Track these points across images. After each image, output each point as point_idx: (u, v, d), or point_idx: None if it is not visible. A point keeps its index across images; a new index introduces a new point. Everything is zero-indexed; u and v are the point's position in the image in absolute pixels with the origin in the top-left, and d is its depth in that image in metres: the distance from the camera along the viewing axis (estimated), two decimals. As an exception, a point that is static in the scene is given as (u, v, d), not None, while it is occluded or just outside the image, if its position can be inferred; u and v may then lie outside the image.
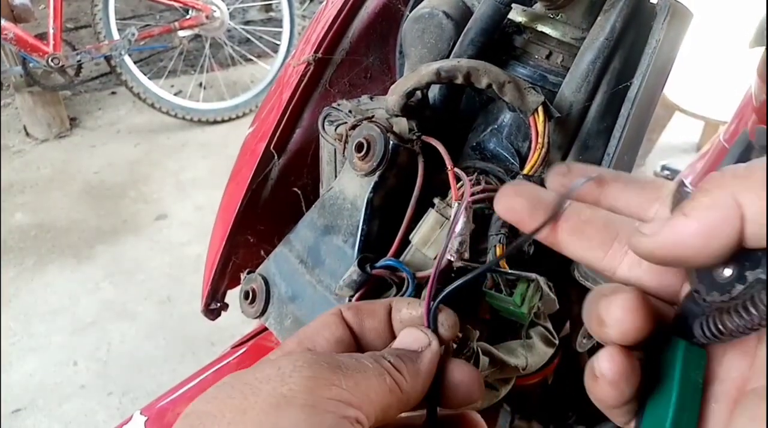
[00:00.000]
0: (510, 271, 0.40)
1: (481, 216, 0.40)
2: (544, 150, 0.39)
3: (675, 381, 0.28)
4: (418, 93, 0.43)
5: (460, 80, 0.40)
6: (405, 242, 0.41)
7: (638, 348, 0.28)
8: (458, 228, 0.37)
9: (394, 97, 0.42)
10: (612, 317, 0.27)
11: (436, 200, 0.40)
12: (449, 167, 0.38)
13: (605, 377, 0.27)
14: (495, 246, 0.38)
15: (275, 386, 0.28)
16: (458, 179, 0.40)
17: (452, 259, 0.37)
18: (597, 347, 0.45)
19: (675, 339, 0.29)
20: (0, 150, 2.82)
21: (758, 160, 0.26)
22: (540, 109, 0.40)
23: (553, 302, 0.42)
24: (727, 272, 0.28)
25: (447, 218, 0.39)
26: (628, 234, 0.28)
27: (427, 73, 0.41)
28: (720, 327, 0.28)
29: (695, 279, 0.29)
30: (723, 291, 0.29)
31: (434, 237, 0.39)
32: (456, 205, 0.37)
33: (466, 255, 0.37)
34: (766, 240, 0.25)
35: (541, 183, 0.40)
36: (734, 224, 0.25)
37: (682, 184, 0.30)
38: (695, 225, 0.25)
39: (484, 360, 0.40)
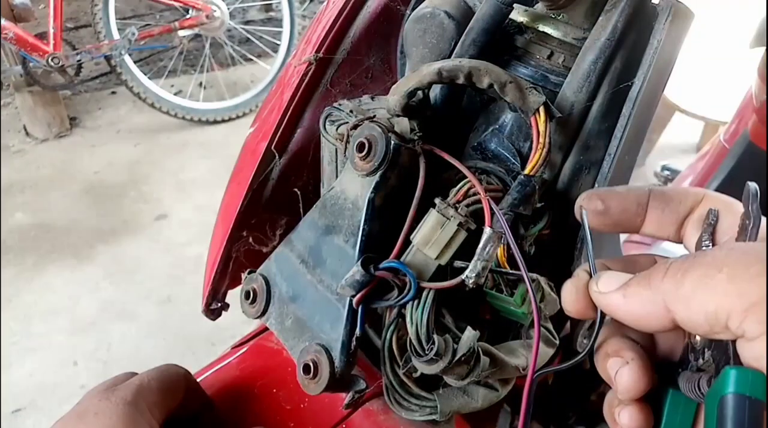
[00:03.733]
0: (511, 271, 0.40)
1: (483, 216, 0.40)
2: (545, 150, 0.39)
3: (661, 425, 0.32)
4: (420, 93, 0.43)
5: (461, 80, 0.40)
6: (408, 243, 0.41)
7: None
8: (486, 254, 0.37)
9: (395, 96, 0.42)
10: (622, 386, 0.32)
11: (437, 200, 0.40)
12: (482, 195, 0.38)
13: None
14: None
15: None
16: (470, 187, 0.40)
17: (470, 281, 0.37)
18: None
19: (665, 387, 0.33)
20: (0, 150, 2.82)
21: (698, 256, 0.29)
22: (541, 109, 0.40)
23: (554, 302, 0.42)
24: (698, 337, 0.31)
25: (448, 218, 0.39)
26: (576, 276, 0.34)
27: (428, 73, 0.41)
28: (696, 389, 0.31)
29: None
30: (696, 356, 0.31)
31: (435, 238, 0.39)
32: (488, 230, 0.37)
33: (482, 281, 0.37)
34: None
35: (542, 184, 0.40)
36: (663, 321, 0.29)
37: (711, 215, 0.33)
38: (629, 309, 0.31)
39: (484, 360, 0.40)
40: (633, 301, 0.30)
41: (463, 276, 0.37)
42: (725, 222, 0.33)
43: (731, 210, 0.33)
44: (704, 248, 0.33)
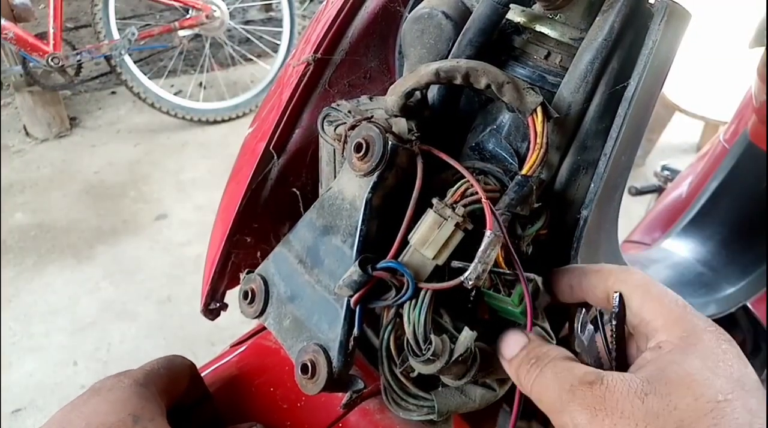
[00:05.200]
0: (509, 272, 0.40)
1: (481, 216, 0.40)
2: (542, 150, 0.40)
3: None
4: (417, 93, 0.43)
5: (459, 81, 0.40)
6: (405, 243, 0.41)
7: None
8: (487, 258, 0.37)
9: (393, 97, 0.42)
10: None
11: (434, 200, 0.40)
12: (483, 199, 0.39)
13: None
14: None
15: None
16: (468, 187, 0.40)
17: (469, 283, 0.37)
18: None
19: None
20: (0, 150, 2.82)
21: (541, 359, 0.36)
22: (539, 110, 0.40)
23: (545, 301, 0.42)
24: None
25: (445, 218, 0.39)
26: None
27: (426, 74, 0.41)
28: None
29: None
30: None
31: (432, 238, 0.39)
32: (490, 234, 0.37)
33: (481, 283, 0.38)
34: None
35: (539, 184, 0.40)
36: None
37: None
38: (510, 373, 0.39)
39: (482, 360, 0.41)
40: (510, 372, 0.38)
41: (462, 278, 0.37)
42: (634, 302, 0.37)
43: (639, 290, 0.37)
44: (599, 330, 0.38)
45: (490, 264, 0.37)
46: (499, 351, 0.39)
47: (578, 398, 0.32)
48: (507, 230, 0.38)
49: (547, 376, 0.35)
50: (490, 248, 0.37)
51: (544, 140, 0.40)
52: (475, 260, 0.37)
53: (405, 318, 0.40)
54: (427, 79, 0.41)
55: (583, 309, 0.41)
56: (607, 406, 0.31)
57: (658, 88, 0.44)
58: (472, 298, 0.42)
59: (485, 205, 0.38)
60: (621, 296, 0.37)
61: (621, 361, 0.38)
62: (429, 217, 0.40)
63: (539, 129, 0.40)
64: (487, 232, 0.37)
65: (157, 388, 0.44)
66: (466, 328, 0.39)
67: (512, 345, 0.38)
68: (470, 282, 0.37)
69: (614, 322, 0.37)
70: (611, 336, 0.37)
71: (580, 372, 0.34)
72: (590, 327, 0.39)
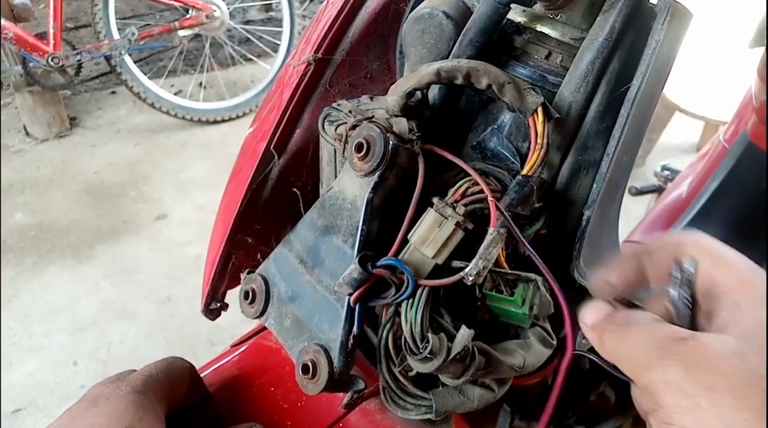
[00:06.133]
0: (510, 272, 0.40)
1: (481, 216, 0.40)
2: (543, 150, 0.40)
3: None
4: (418, 93, 0.43)
5: (460, 81, 0.40)
6: (405, 242, 0.41)
7: None
8: (489, 255, 0.37)
9: (394, 97, 0.42)
10: None
11: (435, 199, 0.40)
12: (489, 197, 0.39)
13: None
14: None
15: None
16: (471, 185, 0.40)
17: (470, 279, 0.37)
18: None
19: None
20: (0, 150, 2.82)
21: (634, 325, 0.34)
22: (539, 110, 0.40)
23: (549, 304, 0.42)
24: None
25: (446, 217, 0.39)
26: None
27: (427, 74, 0.41)
28: None
29: None
30: None
31: (432, 236, 0.39)
32: (493, 231, 0.37)
33: (481, 279, 0.38)
34: None
35: (540, 184, 0.40)
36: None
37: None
38: (594, 343, 0.36)
39: (480, 359, 0.41)
40: (595, 342, 0.36)
41: (462, 274, 0.37)
42: (704, 266, 0.35)
43: (708, 253, 0.36)
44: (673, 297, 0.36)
45: (492, 261, 0.37)
46: (580, 319, 0.37)
47: (672, 353, 0.31)
48: (506, 231, 0.38)
49: (636, 335, 0.33)
50: (492, 245, 0.37)
51: (545, 140, 0.40)
52: (477, 256, 0.37)
53: (403, 317, 0.40)
54: (429, 79, 0.41)
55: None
56: (703, 363, 0.30)
57: (660, 87, 0.44)
58: (479, 297, 0.42)
59: (491, 202, 0.38)
60: (695, 262, 0.35)
61: (693, 327, 0.35)
62: (429, 216, 0.40)
63: (540, 129, 0.40)
64: (490, 229, 0.37)
65: (156, 395, 0.43)
66: (463, 327, 0.39)
67: (596, 311, 0.37)
68: (470, 278, 0.37)
69: (681, 291, 0.35)
70: (681, 306, 0.35)
71: (672, 329, 0.32)
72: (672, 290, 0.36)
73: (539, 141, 0.40)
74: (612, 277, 0.38)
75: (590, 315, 0.37)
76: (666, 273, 0.37)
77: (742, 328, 0.31)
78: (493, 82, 0.40)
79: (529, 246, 0.38)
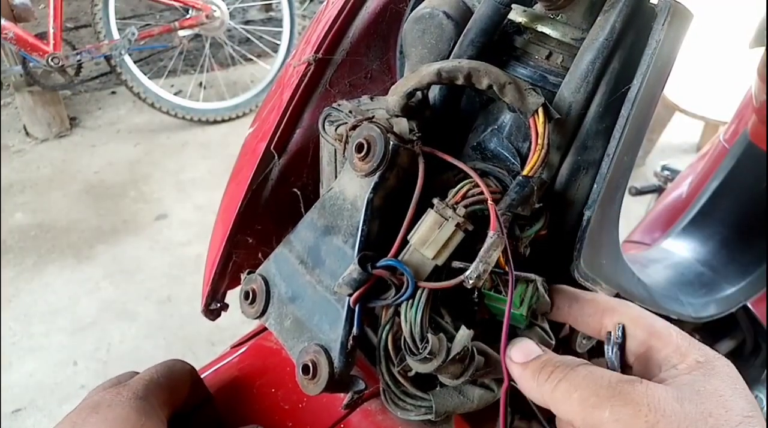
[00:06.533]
0: (507, 271, 0.40)
1: (482, 217, 0.40)
2: (543, 151, 0.40)
3: None
4: (419, 93, 0.43)
5: (461, 81, 0.40)
6: (405, 243, 0.41)
7: None
8: (489, 259, 0.37)
9: (394, 97, 0.42)
10: None
11: (435, 200, 0.40)
12: (489, 200, 0.39)
13: None
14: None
15: None
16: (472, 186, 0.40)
17: (470, 282, 0.37)
18: (596, 347, 0.45)
19: None
20: (0, 150, 2.82)
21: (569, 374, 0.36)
22: (540, 111, 0.40)
23: (547, 304, 0.42)
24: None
25: (446, 218, 0.39)
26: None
27: (427, 74, 0.41)
28: None
29: None
30: None
31: (432, 238, 0.39)
32: (493, 235, 0.37)
33: (482, 283, 0.38)
34: None
35: (540, 185, 0.40)
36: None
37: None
38: (522, 386, 0.39)
39: (479, 359, 0.41)
40: (525, 383, 0.38)
41: (463, 277, 0.37)
42: (635, 340, 0.39)
43: (642, 327, 0.39)
44: (607, 354, 0.39)
45: (492, 264, 0.37)
46: (508, 358, 0.39)
47: (621, 394, 0.33)
48: (507, 231, 0.38)
49: (580, 375, 0.35)
50: (492, 249, 0.37)
51: (546, 141, 0.40)
52: (477, 260, 0.37)
53: (402, 317, 0.40)
54: (429, 79, 0.41)
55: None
56: (651, 404, 0.32)
57: (660, 87, 0.44)
58: (476, 299, 0.42)
59: (490, 206, 0.38)
60: (624, 327, 0.39)
61: None
62: (429, 217, 0.40)
63: (540, 130, 0.40)
64: (491, 233, 0.37)
65: (158, 400, 0.43)
66: (463, 327, 0.39)
67: (525, 351, 0.39)
68: (471, 282, 0.37)
69: (616, 350, 0.39)
70: (616, 362, 0.39)
71: (617, 374, 0.35)
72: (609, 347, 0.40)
73: (540, 141, 0.39)
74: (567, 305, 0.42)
75: (519, 355, 0.39)
76: (593, 329, 0.41)
77: (679, 382, 0.34)
78: (494, 83, 0.40)
79: (509, 250, 0.39)
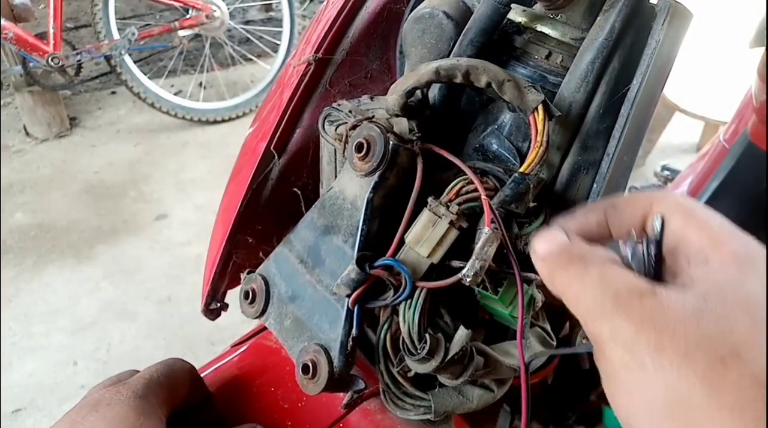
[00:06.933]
0: (506, 271, 0.40)
1: (479, 215, 0.40)
2: (542, 148, 0.39)
3: None
4: (418, 93, 0.43)
5: (459, 79, 0.40)
6: (403, 242, 0.41)
7: None
8: (484, 254, 0.37)
9: (393, 96, 0.42)
10: None
11: (429, 199, 0.40)
12: (482, 193, 0.38)
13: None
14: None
15: None
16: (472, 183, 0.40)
17: (468, 279, 0.37)
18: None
19: None
20: (0, 150, 2.82)
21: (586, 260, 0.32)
22: (540, 108, 0.39)
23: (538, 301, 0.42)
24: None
25: (439, 216, 0.39)
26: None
27: (426, 72, 0.41)
28: None
29: None
30: None
31: (426, 236, 0.39)
32: (487, 230, 0.37)
33: (479, 279, 0.37)
34: None
35: (537, 183, 0.40)
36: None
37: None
38: (541, 273, 0.34)
39: (478, 360, 0.41)
40: (544, 275, 0.34)
41: (460, 275, 0.37)
42: (674, 223, 0.33)
43: (680, 210, 0.33)
44: (641, 252, 0.34)
45: (489, 260, 0.37)
46: (531, 248, 0.35)
47: (625, 308, 0.29)
48: (504, 227, 0.38)
49: (591, 278, 0.31)
50: (487, 244, 0.37)
51: (545, 139, 0.39)
52: (473, 256, 0.37)
53: (401, 317, 0.40)
54: (428, 78, 0.41)
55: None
56: (657, 322, 0.28)
57: (660, 87, 0.44)
58: (470, 290, 0.42)
59: (484, 201, 0.38)
60: (662, 219, 0.33)
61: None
62: (424, 216, 0.40)
63: (540, 127, 0.39)
64: (485, 229, 0.37)
65: (157, 399, 0.43)
66: (461, 327, 0.39)
67: (549, 241, 0.34)
68: (468, 280, 0.37)
69: (653, 247, 0.33)
70: (650, 257, 0.33)
71: (631, 280, 0.30)
72: (633, 244, 0.34)
73: (539, 139, 0.39)
74: (570, 224, 0.35)
75: (542, 245, 0.34)
76: (630, 229, 0.35)
77: (705, 286, 0.29)
78: (492, 80, 0.39)
79: (509, 245, 0.38)
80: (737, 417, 0.25)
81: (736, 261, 0.30)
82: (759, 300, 0.28)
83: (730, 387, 0.26)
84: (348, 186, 0.43)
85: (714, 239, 0.31)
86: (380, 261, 0.40)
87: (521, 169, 0.39)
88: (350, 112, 0.45)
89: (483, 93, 0.45)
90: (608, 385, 0.30)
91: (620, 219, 0.35)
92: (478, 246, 0.37)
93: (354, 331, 0.41)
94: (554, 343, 0.43)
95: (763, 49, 0.92)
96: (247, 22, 3.74)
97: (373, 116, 0.42)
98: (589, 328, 0.30)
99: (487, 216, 0.38)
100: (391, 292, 0.40)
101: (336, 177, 0.47)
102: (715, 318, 0.27)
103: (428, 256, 0.39)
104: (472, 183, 0.40)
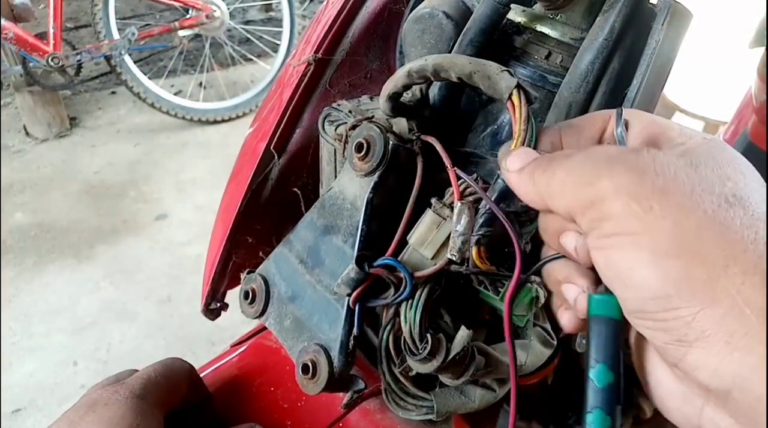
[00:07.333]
0: (506, 273, 0.40)
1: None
2: (527, 135, 0.35)
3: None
4: (418, 93, 0.43)
5: (432, 78, 0.38)
6: (403, 242, 0.41)
7: None
8: (460, 227, 0.37)
9: (381, 100, 0.42)
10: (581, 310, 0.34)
11: (433, 200, 0.40)
12: (449, 166, 0.38)
13: None
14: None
15: None
16: (458, 178, 0.40)
17: (454, 258, 0.37)
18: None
19: None
20: (0, 150, 2.82)
21: (564, 157, 0.32)
22: (515, 93, 0.36)
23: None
24: None
25: (444, 218, 0.39)
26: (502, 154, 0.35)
27: (401, 76, 0.39)
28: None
29: None
30: None
31: (431, 238, 0.39)
32: (458, 204, 0.37)
33: (468, 254, 0.37)
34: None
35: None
36: (543, 207, 0.33)
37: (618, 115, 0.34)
38: (520, 192, 0.34)
39: (479, 359, 0.41)
40: (522, 186, 0.33)
41: (448, 255, 0.37)
42: (635, 129, 0.34)
43: (640, 118, 0.34)
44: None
45: (468, 233, 0.37)
46: (502, 166, 0.35)
47: (622, 162, 0.29)
48: (489, 229, 0.37)
49: (577, 157, 0.30)
50: (462, 216, 0.37)
51: (526, 125, 0.35)
52: (452, 234, 0.37)
53: (402, 317, 0.40)
54: (403, 81, 0.39)
55: None
56: (658, 168, 0.28)
57: (660, 87, 0.44)
58: (470, 291, 0.42)
59: (451, 172, 0.38)
60: (626, 123, 0.34)
61: None
62: (428, 217, 0.40)
63: (518, 114, 0.36)
64: (456, 203, 0.37)
65: (155, 399, 0.43)
66: (462, 327, 0.39)
67: (520, 156, 0.34)
68: (455, 256, 0.37)
69: (621, 128, 0.34)
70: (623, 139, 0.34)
71: (617, 147, 0.31)
72: None
73: (521, 126, 0.35)
74: (526, 153, 0.35)
75: (515, 159, 0.34)
76: (592, 144, 0.35)
77: (692, 149, 0.30)
78: (460, 74, 0.37)
79: (516, 240, 0.38)
80: (741, 251, 0.26)
81: (709, 141, 0.31)
82: (744, 163, 0.30)
83: (738, 224, 0.27)
84: (348, 186, 0.43)
85: (683, 133, 0.32)
86: (380, 261, 0.40)
87: None
88: (350, 112, 0.45)
89: (483, 93, 0.45)
90: (609, 244, 0.29)
91: (578, 136, 0.36)
92: (453, 222, 0.37)
93: (355, 330, 0.41)
94: (555, 343, 0.43)
95: (763, 49, 0.92)
96: (247, 22, 3.74)
97: (372, 116, 0.42)
98: (583, 197, 0.29)
99: (455, 190, 0.38)
100: (392, 291, 0.40)
101: (336, 177, 0.47)
102: (710, 168, 0.29)
103: (432, 258, 0.39)
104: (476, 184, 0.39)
